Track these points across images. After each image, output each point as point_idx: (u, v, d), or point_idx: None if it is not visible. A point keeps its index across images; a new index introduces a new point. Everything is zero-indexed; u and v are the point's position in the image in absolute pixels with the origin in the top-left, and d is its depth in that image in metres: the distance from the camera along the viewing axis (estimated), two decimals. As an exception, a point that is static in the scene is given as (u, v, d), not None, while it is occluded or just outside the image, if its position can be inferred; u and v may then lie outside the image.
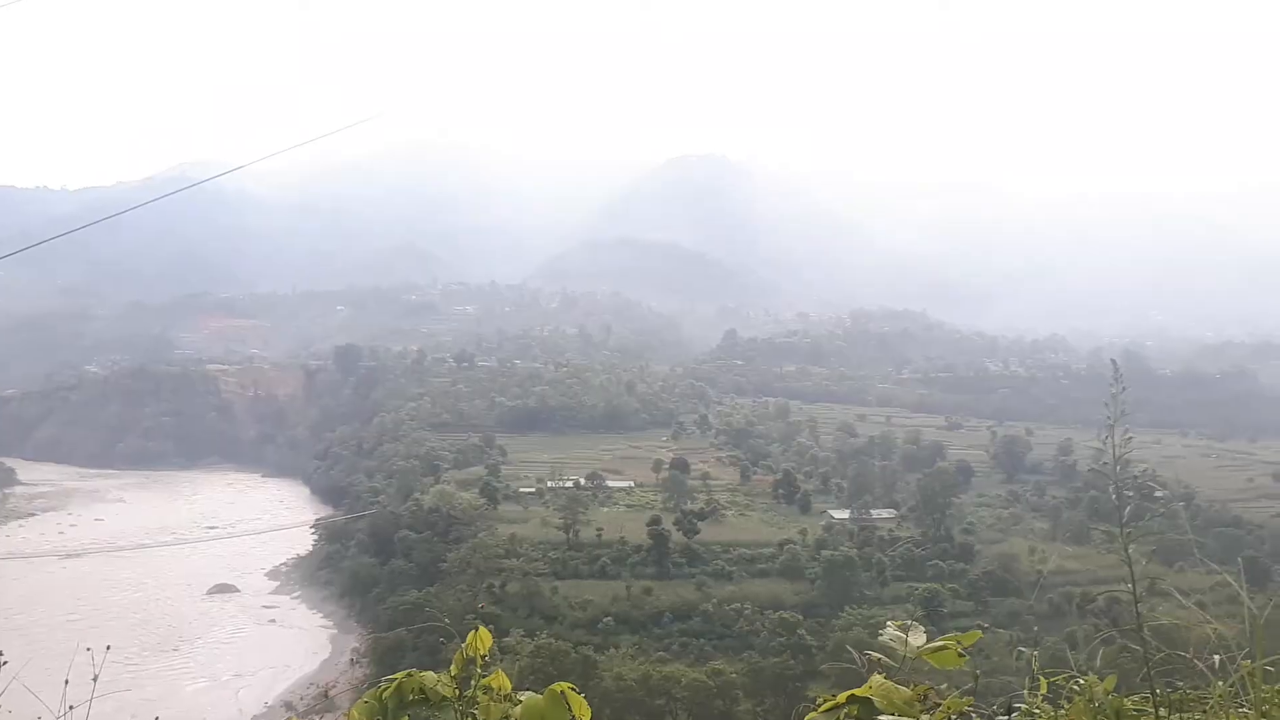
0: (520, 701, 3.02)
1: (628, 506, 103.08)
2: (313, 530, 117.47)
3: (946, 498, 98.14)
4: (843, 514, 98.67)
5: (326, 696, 61.33)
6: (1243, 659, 2.99)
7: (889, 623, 2.90)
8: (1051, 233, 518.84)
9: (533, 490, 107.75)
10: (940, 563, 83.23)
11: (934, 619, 66.94)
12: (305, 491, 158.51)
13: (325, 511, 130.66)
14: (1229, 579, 3.31)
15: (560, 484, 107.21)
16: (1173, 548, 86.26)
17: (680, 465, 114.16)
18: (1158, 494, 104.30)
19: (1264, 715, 2.75)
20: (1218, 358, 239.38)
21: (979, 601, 77.03)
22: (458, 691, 3.07)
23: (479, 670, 3.11)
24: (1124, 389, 3.19)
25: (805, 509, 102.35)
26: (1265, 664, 2.83)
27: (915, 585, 78.54)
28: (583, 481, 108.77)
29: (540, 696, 2.96)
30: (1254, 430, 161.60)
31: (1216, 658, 3.11)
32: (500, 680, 3.11)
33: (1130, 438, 3.32)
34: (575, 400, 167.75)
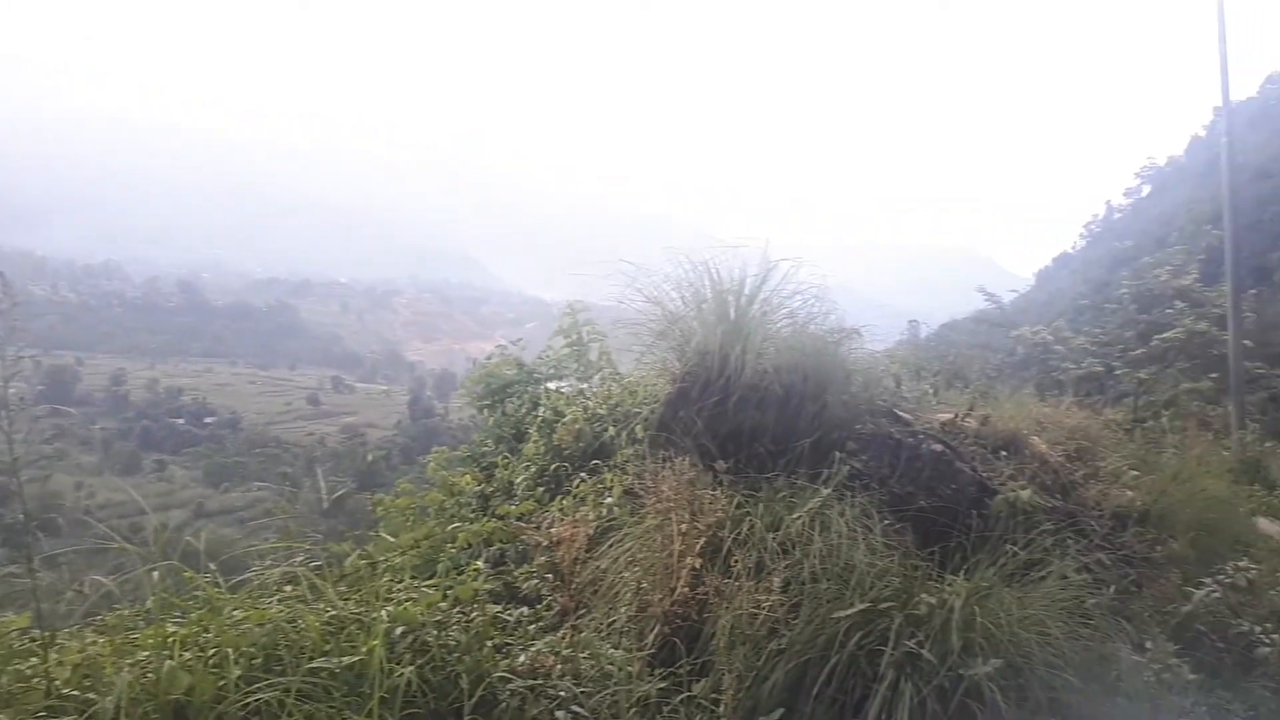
0: None
1: None
2: None
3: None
4: None
5: None
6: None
7: None
8: (109, 160, 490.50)
9: None
10: (-37, 514, 72.69)
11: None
12: None
13: None
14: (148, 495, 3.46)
15: None
16: (220, 469, 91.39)
17: None
18: (208, 420, 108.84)
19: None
20: (265, 292, 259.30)
21: (14, 547, 69.81)
22: None
23: None
24: (15, 304, 3.03)
25: None
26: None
27: (-72, 543, 67.16)
28: None
29: None
30: (294, 359, 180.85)
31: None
32: None
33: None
34: None
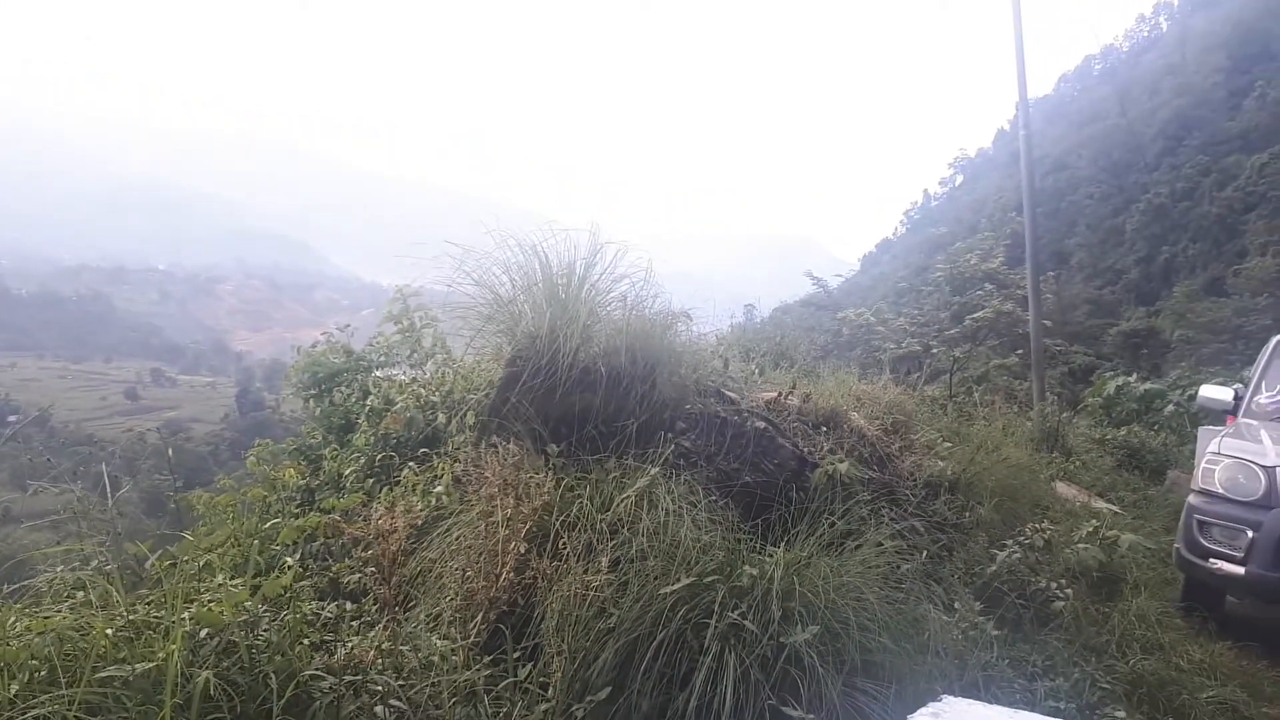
0: None
1: None
2: None
3: None
4: None
5: None
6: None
7: None
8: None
9: None
10: None
11: None
12: None
13: None
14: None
15: None
16: (28, 471, 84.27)
17: None
18: (11, 418, 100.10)
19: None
20: (74, 280, 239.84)
21: None
22: None
23: None
24: None
25: None
26: None
27: None
28: None
29: None
30: (109, 351, 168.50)
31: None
32: None
33: None
34: None
